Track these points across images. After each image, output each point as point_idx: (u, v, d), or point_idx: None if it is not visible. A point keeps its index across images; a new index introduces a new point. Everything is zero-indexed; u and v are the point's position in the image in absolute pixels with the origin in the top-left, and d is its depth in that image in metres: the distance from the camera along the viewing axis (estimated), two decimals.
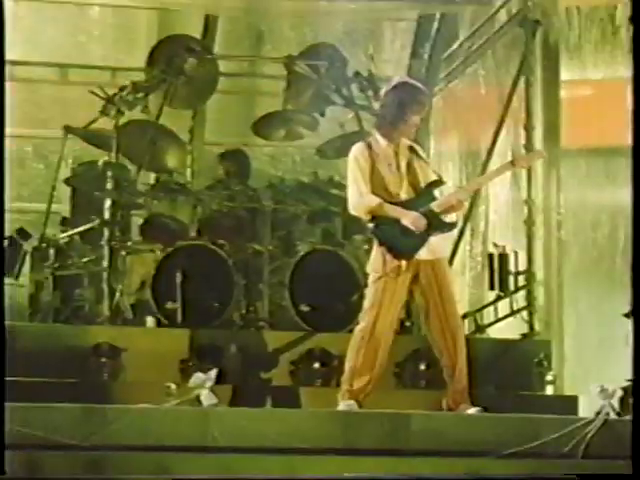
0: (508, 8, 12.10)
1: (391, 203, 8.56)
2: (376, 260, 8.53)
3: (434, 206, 8.52)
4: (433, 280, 8.57)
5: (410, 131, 8.77)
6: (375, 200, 8.48)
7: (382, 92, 9.16)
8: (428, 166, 8.92)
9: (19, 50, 12.26)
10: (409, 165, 8.76)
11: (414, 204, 8.52)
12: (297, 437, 7.57)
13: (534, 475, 7.91)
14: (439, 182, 8.71)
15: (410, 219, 8.44)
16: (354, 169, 8.70)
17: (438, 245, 8.63)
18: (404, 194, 8.62)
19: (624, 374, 9.58)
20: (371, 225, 8.62)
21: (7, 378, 8.35)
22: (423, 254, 8.48)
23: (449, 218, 8.70)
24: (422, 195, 8.59)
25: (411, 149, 8.78)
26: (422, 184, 8.64)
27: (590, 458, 7.73)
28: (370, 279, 8.60)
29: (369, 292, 8.63)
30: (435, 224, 8.50)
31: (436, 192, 8.61)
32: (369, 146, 8.70)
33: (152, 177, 11.72)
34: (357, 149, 8.72)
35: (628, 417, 8.37)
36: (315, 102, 11.90)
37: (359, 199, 8.60)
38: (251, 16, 13.25)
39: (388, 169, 8.69)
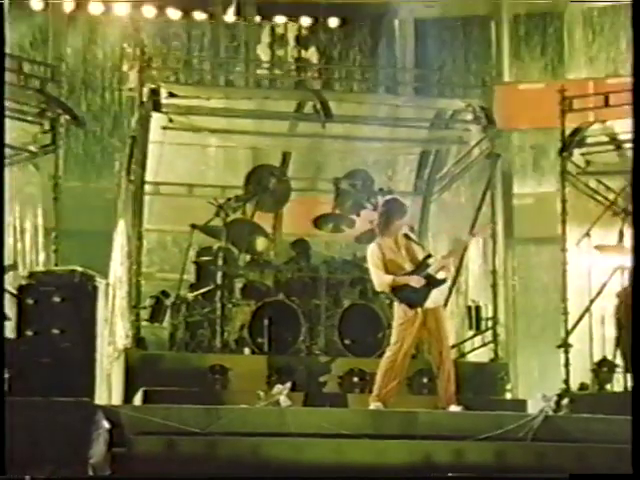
0: (480, 146, 13.25)
1: (402, 274, 9.63)
2: (399, 312, 9.68)
3: (431, 270, 9.64)
4: (435, 322, 9.65)
5: (399, 228, 9.83)
6: (389, 277, 9.62)
7: (379, 203, 10.47)
8: (420, 246, 10.00)
9: (162, 174, 13.54)
10: (407, 248, 9.78)
11: (417, 272, 9.64)
12: (345, 427, 8.68)
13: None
14: (430, 256, 9.81)
15: (414, 281, 9.54)
16: (372, 262, 9.83)
17: (436, 297, 9.73)
18: (408, 267, 9.67)
19: (557, 385, 11.63)
20: (390, 293, 9.89)
21: (153, 388, 10.53)
22: (428, 304, 9.60)
23: (441, 276, 9.73)
24: (421, 265, 9.68)
25: (407, 237, 9.89)
26: (419, 258, 9.73)
27: (536, 441, 8.74)
28: (395, 324, 9.74)
29: (394, 332, 9.73)
30: (433, 282, 9.63)
31: (429, 261, 9.68)
32: (379, 245, 9.82)
33: (248, 257, 12.89)
34: (371, 249, 9.90)
35: (561, 413, 10.18)
36: (353, 208, 13.12)
37: (380, 281, 9.76)
38: (312, 152, 14.08)
39: (393, 254, 9.73)
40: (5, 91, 9.65)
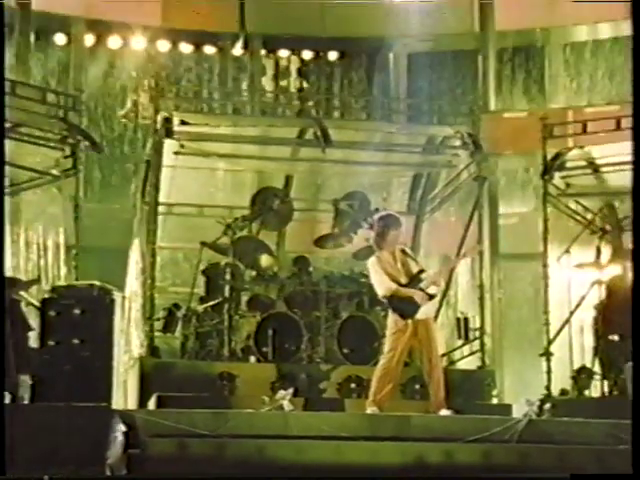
0: (468, 170, 13.29)
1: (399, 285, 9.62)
2: (391, 322, 9.68)
3: (423, 285, 9.64)
4: (425, 332, 9.63)
5: (395, 241, 9.82)
6: (394, 285, 9.59)
7: (375, 219, 10.31)
8: (414, 261, 9.97)
9: (174, 196, 13.45)
10: (403, 262, 9.79)
11: (411, 285, 9.62)
12: (343, 429, 8.67)
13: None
14: (423, 271, 9.79)
15: (419, 297, 9.56)
16: (374, 272, 9.84)
17: (427, 309, 9.71)
18: (403, 280, 9.64)
19: (540, 391, 11.57)
20: (386, 301, 9.82)
21: (166, 393, 10.56)
22: (419, 316, 9.59)
23: (432, 291, 9.74)
24: (414, 279, 9.67)
25: (403, 252, 9.90)
26: (413, 272, 9.74)
27: (521, 443, 8.67)
28: (388, 333, 9.73)
29: (388, 341, 9.70)
30: (427, 297, 9.69)
31: (422, 276, 9.69)
32: (378, 258, 9.83)
33: (253, 272, 12.79)
34: (371, 261, 9.93)
35: (543, 417, 9.79)
36: (350, 227, 13.03)
37: (385, 286, 9.68)
38: (313, 175, 14.09)
39: (390, 267, 9.72)
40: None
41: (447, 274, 11.39)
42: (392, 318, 9.68)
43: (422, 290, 9.69)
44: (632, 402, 7.64)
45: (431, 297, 9.75)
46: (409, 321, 9.56)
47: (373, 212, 12.71)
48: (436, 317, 11.06)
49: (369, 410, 9.53)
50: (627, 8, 18.24)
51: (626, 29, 19.12)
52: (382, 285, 9.72)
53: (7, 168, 11.50)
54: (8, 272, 12.44)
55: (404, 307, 9.59)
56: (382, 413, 9.40)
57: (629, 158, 11.41)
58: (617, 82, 19.20)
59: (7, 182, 11.89)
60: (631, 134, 9.22)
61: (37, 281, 11.51)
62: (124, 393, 11.25)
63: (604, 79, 19.35)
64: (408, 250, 10.07)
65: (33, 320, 9.96)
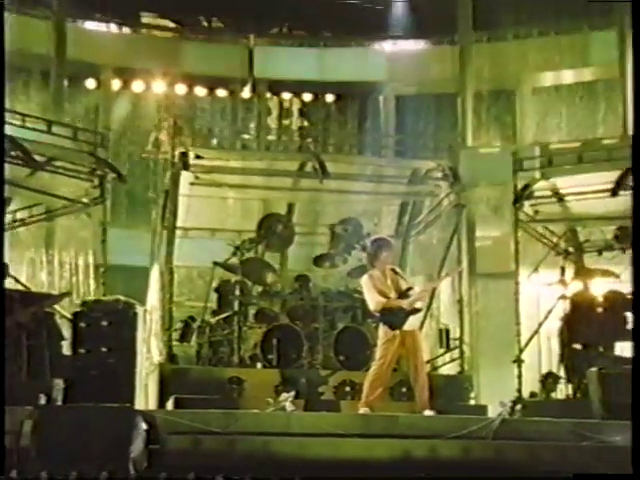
0: (448, 198, 13.26)
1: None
2: (381, 332, 9.50)
3: (410, 301, 9.44)
4: (411, 342, 9.46)
5: (387, 261, 9.63)
6: (383, 299, 9.45)
7: (369, 241, 10.26)
8: (403, 279, 9.75)
9: (189, 221, 13.42)
10: (393, 280, 9.59)
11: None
12: (339, 428, 8.51)
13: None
14: (410, 288, 9.60)
15: (405, 304, 9.38)
16: (366, 288, 9.67)
17: (413, 322, 9.54)
18: (392, 295, 9.45)
19: (512, 394, 11.44)
20: (378, 314, 9.60)
21: (182, 396, 10.39)
22: (406, 327, 9.41)
23: (417, 306, 9.61)
24: (403, 295, 9.48)
25: (393, 270, 9.72)
26: (402, 289, 9.54)
27: (495, 439, 8.50)
28: (378, 343, 9.57)
29: (378, 350, 9.56)
30: (411, 310, 9.47)
31: (410, 292, 9.51)
32: (370, 275, 9.66)
33: (260, 288, 12.70)
34: (364, 279, 9.76)
35: (515, 417, 9.56)
36: (345, 248, 12.91)
37: (375, 300, 9.51)
38: (312, 203, 14.03)
39: (381, 284, 9.53)
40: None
41: (431, 291, 11.34)
42: (382, 329, 9.56)
43: (410, 306, 9.59)
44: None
45: (417, 311, 9.62)
46: (397, 332, 9.44)
47: (365, 236, 12.71)
48: (421, 328, 10.93)
49: (362, 410, 9.43)
50: (585, 57, 18.97)
51: (587, 76, 19.67)
52: (372, 301, 9.62)
53: (43, 197, 11.91)
54: (44, 289, 12.91)
55: (392, 319, 9.46)
56: (373, 413, 9.30)
57: (589, 188, 11.91)
58: (578, 121, 19.44)
59: (43, 209, 12.26)
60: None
61: (68, 294, 11.38)
62: (145, 395, 11.13)
63: (566, 119, 19.57)
64: (398, 269, 9.94)
65: (66, 331, 9.92)
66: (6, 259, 10.46)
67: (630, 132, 17.29)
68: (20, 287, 10.47)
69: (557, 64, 19.61)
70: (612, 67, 18.85)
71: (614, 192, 11.77)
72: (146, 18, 20.02)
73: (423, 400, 9.53)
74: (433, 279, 12.25)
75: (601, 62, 19.31)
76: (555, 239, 12.77)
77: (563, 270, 12.29)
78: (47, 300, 10.32)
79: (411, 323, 9.57)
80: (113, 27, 19.80)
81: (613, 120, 18.89)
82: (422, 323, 11.58)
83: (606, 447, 8.29)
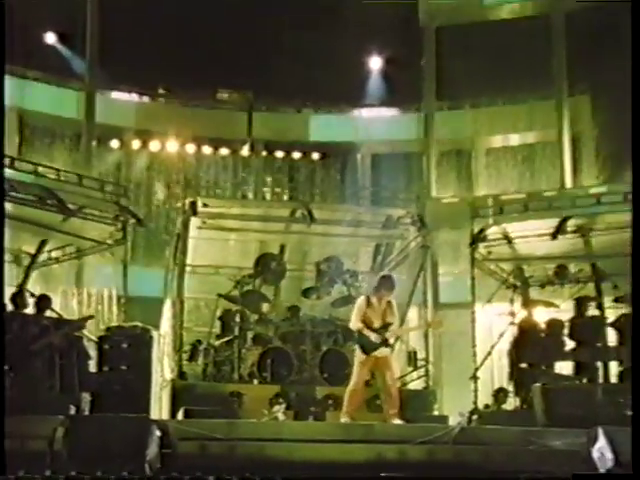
0: (415, 241, 13.08)
1: (370, 328, 9.28)
2: (358, 354, 9.46)
3: (387, 334, 9.37)
4: (384, 365, 9.38)
5: (385, 294, 9.38)
6: (359, 325, 9.33)
7: (380, 275, 9.98)
8: (393, 314, 9.46)
9: (197, 259, 13.13)
10: (384, 311, 9.39)
11: (379, 331, 9.33)
12: (323, 435, 8.53)
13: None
14: (390, 324, 9.37)
15: (374, 337, 9.27)
16: (356, 307, 9.46)
17: (385, 351, 9.40)
18: (376, 324, 9.32)
19: (469, 406, 11.18)
20: (356, 336, 9.48)
21: (191, 407, 10.25)
22: (378, 354, 9.33)
23: (390, 340, 9.53)
24: (384, 327, 9.35)
25: (388, 303, 9.45)
26: (386, 321, 9.35)
27: (455, 444, 8.39)
28: (355, 363, 9.54)
29: (355, 369, 9.53)
30: (385, 342, 9.40)
31: (390, 327, 9.35)
32: (367, 298, 9.45)
33: (256, 316, 12.55)
34: (360, 299, 9.56)
35: (472, 425, 9.96)
36: (329, 282, 12.99)
37: (353, 323, 9.44)
38: (300, 244, 13.76)
39: (371, 311, 9.36)
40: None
41: (402, 334, 11.43)
42: (358, 352, 9.47)
43: (386, 339, 9.45)
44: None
45: (388, 343, 9.45)
46: (370, 356, 9.36)
47: (345, 272, 12.94)
48: (392, 351, 10.43)
49: (343, 420, 9.37)
50: (528, 123, 19.24)
51: (530, 139, 19.87)
52: (353, 321, 9.50)
53: (74, 239, 11.85)
54: (74, 316, 12.56)
55: (365, 345, 9.36)
56: (353, 422, 9.25)
57: (533, 232, 11.87)
58: (523, 177, 19.64)
59: (74, 249, 12.19)
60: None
61: (91, 317, 11.12)
62: (159, 407, 11.08)
63: (513, 175, 19.77)
64: (394, 303, 9.56)
65: (92, 351, 9.93)
66: (43, 291, 10.63)
67: (567, 186, 18.03)
68: (54, 315, 10.26)
69: (506, 129, 19.95)
70: (551, 132, 19.24)
71: (554, 236, 11.75)
72: (162, 89, 20.19)
73: (394, 411, 9.41)
74: (403, 308, 11.88)
75: (542, 127, 19.56)
76: (505, 275, 12.71)
77: (512, 301, 12.17)
78: (75, 324, 10.21)
79: (383, 352, 9.41)
80: (134, 96, 20.00)
81: (552, 175, 19.14)
82: (393, 347, 11.04)
83: (548, 451, 8.20)
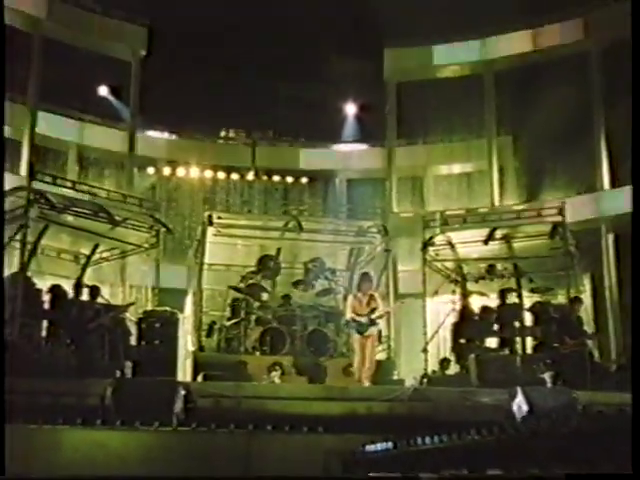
0: (381, 245, 12.58)
1: (360, 315, 9.41)
2: (353, 336, 9.66)
3: (374, 316, 9.48)
4: (370, 342, 9.49)
5: (368, 288, 9.57)
6: (352, 314, 9.51)
7: (360, 273, 10.01)
8: (376, 302, 9.55)
9: (213, 259, 12.57)
10: (368, 301, 9.54)
11: (367, 315, 9.47)
12: (310, 394, 8.47)
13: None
14: (375, 309, 9.49)
15: (364, 319, 9.28)
16: (348, 304, 9.68)
17: (372, 329, 9.53)
18: (364, 312, 9.43)
19: (421, 372, 10.94)
20: (350, 322, 9.57)
21: (208, 372, 9.81)
22: (367, 333, 9.48)
23: (377, 321, 9.61)
24: (371, 312, 9.47)
25: (371, 296, 9.59)
26: (371, 307, 9.47)
27: (410, 401, 8.34)
28: (354, 343, 9.67)
29: (355, 348, 9.52)
30: (373, 322, 9.53)
31: (376, 312, 9.48)
32: (354, 296, 9.69)
33: (258, 303, 12.16)
34: (350, 297, 9.76)
35: (422, 387, 9.66)
36: (314, 277, 12.69)
37: (348, 316, 9.60)
38: (292, 248, 13.09)
39: (359, 304, 9.52)
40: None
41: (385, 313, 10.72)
42: (355, 335, 9.50)
43: (372, 320, 9.49)
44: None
45: (374, 323, 9.49)
46: (363, 335, 9.43)
47: (327, 270, 12.73)
48: (380, 330, 10.64)
49: (366, 384, 9.24)
50: (467, 156, 19.51)
51: (468, 168, 20.03)
52: (347, 314, 9.57)
53: (119, 243, 11.69)
54: (119, 302, 12.37)
55: (358, 328, 9.45)
56: (333, 385, 9.23)
57: (470, 239, 11.85)
58: (462, 197, 19.76)
59: (118, 251, 11.99)
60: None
61: (132, 304, 11.04)
62: (184, 372, 10.81)
63: (456, 195, 19.88)
64: (376, 295, 9.58)
65: (133, 329, 9.84)
66: (96, 283, 10.58)
67: (496, 204, 18.38)
68: (104, 301, 10.29)
69: (450, 161, 20.10)
70: (483, 163, 19.46)
71: (485, 242, 11.75)
72: (188, 129, 20.09)
73: (365, 376, 9.34)
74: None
75: (476, 160, 19.75)
76: (448, 272, 12.62)
77: (454, 292, 12.19)
78: (120, 308, 10.19)
79: (371, 332, 9.47)
80: (166, 134, 20.09)
81: (485, 196, 19.31)
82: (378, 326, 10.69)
83: (480, 405, 8.15)
